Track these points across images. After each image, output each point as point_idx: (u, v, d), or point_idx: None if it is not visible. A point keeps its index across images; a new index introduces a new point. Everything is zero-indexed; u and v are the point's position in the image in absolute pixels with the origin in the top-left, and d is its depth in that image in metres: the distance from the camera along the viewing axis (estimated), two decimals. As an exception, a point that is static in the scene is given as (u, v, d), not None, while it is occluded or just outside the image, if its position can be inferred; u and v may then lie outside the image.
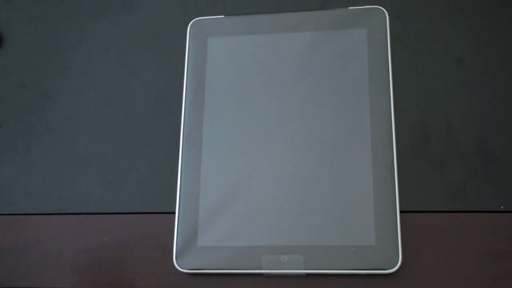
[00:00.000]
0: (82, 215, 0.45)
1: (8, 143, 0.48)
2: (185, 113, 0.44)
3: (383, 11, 0.44)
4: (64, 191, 0.46)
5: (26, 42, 0.50)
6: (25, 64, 0.50)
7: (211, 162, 0.43)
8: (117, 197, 0.45)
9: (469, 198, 0.41)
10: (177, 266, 0.41)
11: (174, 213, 0.43)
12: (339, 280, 0.41)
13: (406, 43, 0.45)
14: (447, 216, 0.41)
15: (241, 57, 0.45)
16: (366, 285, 0.40)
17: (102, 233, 0.44)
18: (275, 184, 0.42)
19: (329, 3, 0.47)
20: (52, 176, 0.46)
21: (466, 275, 0.40)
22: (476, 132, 0.43)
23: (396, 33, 0.45)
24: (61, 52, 0.50)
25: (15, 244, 0.45)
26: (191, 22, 0.47)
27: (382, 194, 0.40)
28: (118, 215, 0.44)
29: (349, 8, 0.45)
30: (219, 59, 0.45)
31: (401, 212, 0.41)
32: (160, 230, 0.43)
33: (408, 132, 0.43)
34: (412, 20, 0.46)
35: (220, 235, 0.41)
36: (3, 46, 0.51)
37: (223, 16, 0.46)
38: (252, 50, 0.45)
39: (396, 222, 0.40)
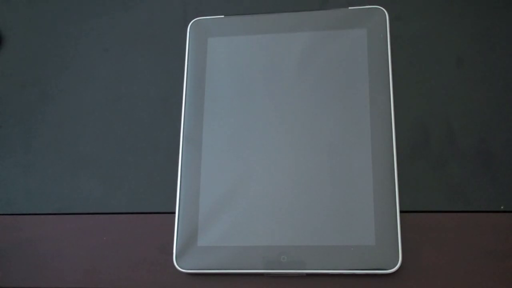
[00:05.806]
0: (82, 215, 0.45)
1: (7, 143, 0.48)
2: (185, 113, 0.44)
3: (383, 11, 0.44)
4: (63, 191, 0.46)
5: (26, 42, 0.50)
6: (25, 64, 0.50)
7: (211, 162, 0.43)
8: (117, 197, 0.45)
9: (469, 198, 0.41)
10: (177, 266, 0.41)
11: (174, 213, 0.43)
12: (339, 280, 0.41)
13: (406, 43, 0.45)
14: (447, 216, 0.41)
15: (241, 57, 0.45)
16: (366, 285, 0.40)
17: (102, 233, 0.44)
18: (275, 184, 0.42)
19: (329, 3, 0.47)
20: (51, 176, 0.46)
21: (466, 275, 0.40)
22: (476, 132, 0.43)
23: (396, 33, 0.45)
24: (61, 52, 0.50)
25: (15, 244, 0.45)
26: (191, 22, 0.47)
27: (382, 194, 0.40)
28: (118, 215, 0.44)
29: (349, 8, 0.45)
30: (219, 59, 0.45)
31: (401, 212, 0.41)
32: (160, 230, 0.43)
33: (408, 132, 0.43)
34: (412, 20, 0.46)
35: (220, 235, 0.41)
36: (3, 46, 0.51)
37: (223, 16, 0.46)
38: (252, 50, 0.45)
39: (396, 222, 0.40)
